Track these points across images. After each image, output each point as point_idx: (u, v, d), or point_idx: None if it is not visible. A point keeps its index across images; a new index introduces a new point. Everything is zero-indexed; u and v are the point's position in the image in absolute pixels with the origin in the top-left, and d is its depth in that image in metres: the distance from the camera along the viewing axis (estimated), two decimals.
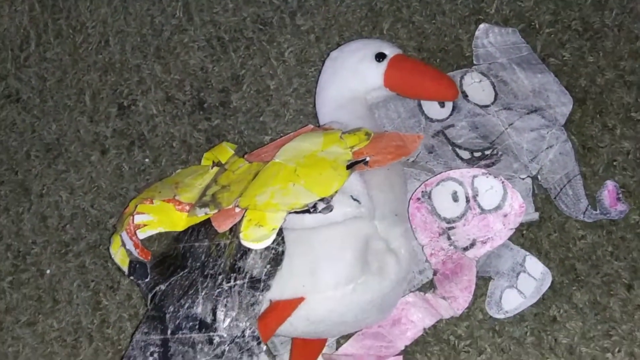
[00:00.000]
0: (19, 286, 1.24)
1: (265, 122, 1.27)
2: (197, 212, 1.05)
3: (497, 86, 1.20)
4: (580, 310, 1.12)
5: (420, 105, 1.19)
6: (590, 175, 1.17)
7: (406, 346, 1.11)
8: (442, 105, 1.19)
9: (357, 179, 1.04)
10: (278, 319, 1.01)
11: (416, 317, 1.10)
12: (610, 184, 1.14)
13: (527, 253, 1.12)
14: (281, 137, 1.16)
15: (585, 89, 1.21)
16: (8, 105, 1.34)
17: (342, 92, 1.15)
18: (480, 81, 1.20)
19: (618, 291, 1.12)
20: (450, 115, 1.19)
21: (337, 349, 1.11)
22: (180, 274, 1.04)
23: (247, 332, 0.98)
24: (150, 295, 1.05)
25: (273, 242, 0.99)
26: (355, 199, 1.02)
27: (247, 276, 1.00)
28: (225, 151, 1.18)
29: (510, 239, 1.10)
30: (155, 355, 1.00)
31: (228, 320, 0.99)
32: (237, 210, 1.03)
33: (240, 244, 1.00)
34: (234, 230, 1.03)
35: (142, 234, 1.11)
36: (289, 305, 1.01)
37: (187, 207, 1.09)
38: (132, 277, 1.07)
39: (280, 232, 1.01)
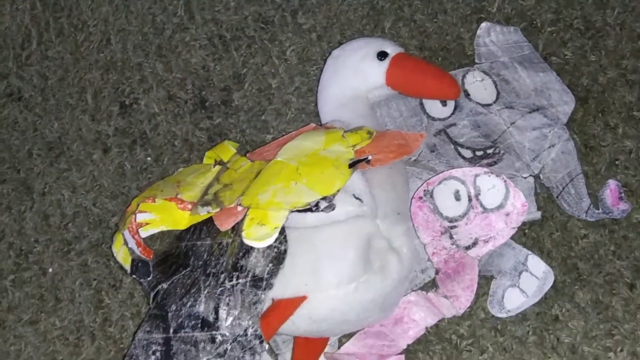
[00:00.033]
0: (21, 285, 1.24)
1: (267, 120, 1.27)
2: (199, 211, 1.05)
3: (499, 85, 1.20)
4: (582, 309, 1.12)
5: (422, 104, 1.19)
6: (593, 174, 1.17)
7: (408, 345, 1.11)
8: (444, 104, 1.19)
9: (359, 177, 1.04)
10: (280, 318, 1.01)
11: (418, 316, 1.10)
12: (612, 183, 1.14)
13: (530, 252, 1.12)
14: (283, 135, 1.16)
15: (587, 87, 1.21)
16: (10, 103, 1.34)
17: (344, 91, 1.15)
18: (482, 80, 1.20)
19: (620, 290, 1.12)
20: (452, 114, 1.19)
21: (339, 348, 1.11)
22: (183, 272, 1.04)
23: (250, 331, 0.98)
24: (152, 294, 1.05)
25: (275, 241, 0.99)
26: (357, 198, 1.02)
27: (250, 275, 1.00)
28: (227, 150, 1.18)
29: (512, 238, 1.10)
30: (158, 354, 1.00)
31: (230, 319, 0.99)
32: (240, 208, 1.03)
33: (242, 243, 1.00)
34: (236, 228, 1.03)
35: (144, 233, 1.11)
36: (291, 304, 1.01)
37: (189, 206, 1.09)
38: (134, 276, 1.07)
39: (282, 231, 1.01)
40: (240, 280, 1.00)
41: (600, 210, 1.13)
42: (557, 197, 1.15)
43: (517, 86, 1.19)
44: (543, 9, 1.27)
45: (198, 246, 1.05)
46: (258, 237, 0.99)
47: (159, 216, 1.11)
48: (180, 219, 1.09)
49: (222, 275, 1.01)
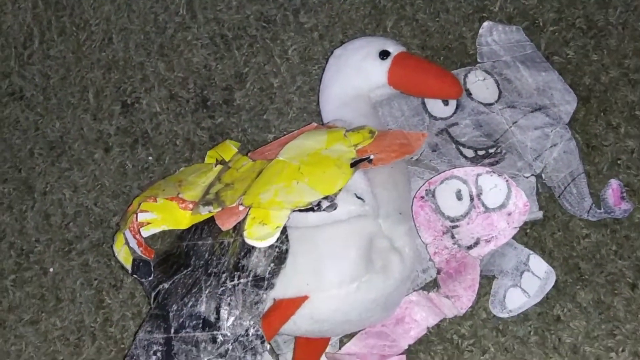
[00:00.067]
0: (22, 284, 1.24)
1: (268, 120, 1.27)
2: (200, 210, 1.05)
3: (501, 84, 1.20)
4: (584, 309, 1.12)
5: (424, 103, 1.19)
6: (595, 173, 1.17)
7: (409, 345, 1.11)
8: (445, 103, 1.19)
9: (361, 177, 1.04)
10: (282, 318, 1.01)
11: (420, 316, 1.10)
12: (614, 183, 1.13)
13: (531, 252, 1.12)
14: (285, 135, 1.16)
15: (590, 87, 1.21)
16: (11, 102, 1.34)
17: (346, 90, 1.15)
18: (484, 79, 1.20)
19: (622, 290, 1.12)
20: (454, 113, 1.19)
21: (340, 348, 1.11)
22: (184, 272, 1.04)
23: (251, 331, 0.98)
24: (153, 294, 1.05)
25: (277, 241, 0.99)
26: (359, 197, 1.02)
27: (251, 274, 1.00)
28: (229, 149, 1.18)
29: (514, 237, 1.09)
30: (159, 354, 1.00)
31: (232, 318, 0.99)
32: (241, 208, 1.03)
33: (244, 242, 1.00)
34: (238, 228, 1.03)
35: (145, 232, 1.11)
36: (292, 304, 1.01)
37: (191, 205, 1.09)
38: (135, 276, 1.07)
39: (284, 231, 1.00)
40: (241, 280, 1.00)
41: (602, 210, 1.13)
42: (559, 196, 1.14)
43: (519, 85, 1.19)
44: (545, 8, 1.26)
45: (199, 246, 1.05)
46: (260, 236, 0.99)
47: (161, 216, 1.11)
48: (182, 218, 1.09)
49: (224, 275, 1.01)
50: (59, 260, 1.24)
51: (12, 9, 1.39)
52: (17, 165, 1.31)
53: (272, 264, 1.00)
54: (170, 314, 1.01)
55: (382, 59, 1.14)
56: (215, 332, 0.99)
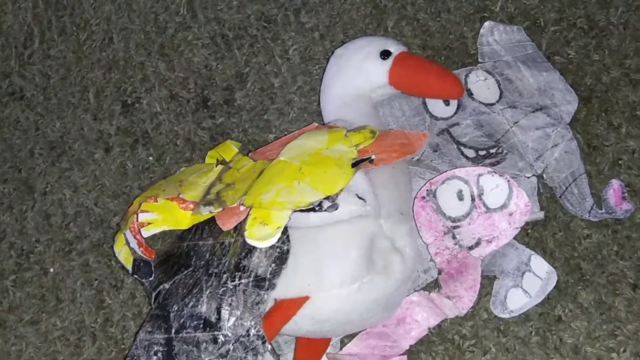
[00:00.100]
0: (23, 285, 1.24)
1: (269, 120, 1.27)
2: (201, 211, 1.04)
3: (502, 84, 1.20)
4: (585, 309, 1.12)
5: (424, 104, 1.19)
6: (596, 174, 1.17)
7: (411, 346, 1.10)
8: (446, 103, 1.19)
9: (362, 177, 1.04)
10: (283, 318, 1.01)
11: (421, 317, 1.10)
12: (615, 183, 1.13)
13: (533, 252, 1.12)
14: (285, 135, 1.16)
15: (591, 87, 1.21)
16: (12, 102, 1.34)
17: (347, 90, 1.15)
18: (485, 79, 1.20)
19: (623, 291, 1.12)
20: (455, 113, 1.18)
21: (341, 349, 1.11)
22: (185, 272, 1.04)
23: (252, 331, 0.98)
24: (154, 294, 1.05)
25: (278, 241, 0.99)
26: (360, 197, 1.02)
27: (252, 275, 1.00)
28: (230, 149, 1.18)
29: (515, 238, 1.09)
30: (159, 354, 1.00)
31: (233, 319, 0.98)
32: (242, 208, 1.03)
33: (245, 243, 1.00)
34: (239, 228, 1.03)
35: (146, 233, 1.11)
36: (293, 304, 1.00)
37: (192, 206, 1.08)
38: (136, 276, 1.07)
39: (285, 231, 1.00)
40: (242, 281, 1.00)
41: (604, 210, 1.13)
42: (560, 197, 1.14)
43: (520, 85, 1.19)
44: (546, 8, 1.26)
45: (200, 246, 1.05)
46: (261, 236, 0.98)
47: (161, 216, 1.10)
48: (182, 218, 1.09)
49: (225, 276, 1.00)
50: (59, 260, 1.24)
51: (13, 8, 1.39)
52: (18, 165, 1.30)
53: (273, 265, 1.00)
54: (171, 315, 1.01)
55: (383, 58, 1.14)
56: (216, 333, 0.98)
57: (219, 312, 0.99)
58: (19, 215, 1.28)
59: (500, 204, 1.07)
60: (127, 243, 1.08)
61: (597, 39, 1.24)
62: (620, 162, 1.17)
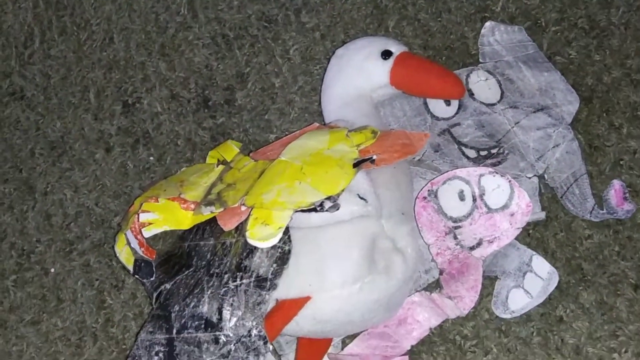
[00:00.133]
0: (23, 285, 1.24)
1: (270, 120, 1.27)
2: (202, 211, 1.04)
3: (503, 84, 1.19)
4: (586, 310, 1.12)
5: (426, 104, 1.19)
6: (597, 174, 1.17)
7: (412, 346, 1.10)
8: (447, 103, 1.19)
9: (363, 177, 1.04)
10: (284, 319, 1.01)
11: (422, 317, 1.10)
12: (616, 183, 1.13)
13: (534, 252, 1.12)
14: (286, 135, 1.16)
15: (592, 87, 1.21)
16: (12, 102, 1.34)
17: (348, 90, 1.14)
18: (486, 79, 1.20)
19: (625, 291, 1.12)
20: (456, 113, 1.18)
21: (342, 349, 1.11)
22: (186, 272, 1.03)
23: (254, 332, 0.98)
24: (155, 294, 1.04)
25: (279, 241, 0.99)
26: (362, 198, 1.02)
27: (254, 275, 1.00)
28: (231, 149, 1.18)
29: (516, 238, 1.09)
30: (161, 354, 1.00)
31: (234, 319, 0.98)
32: (243, 208, 1.03)
33: (246, 243, 1.00)
34: (240, 228, 1.03)
35: (147, 233, 1.11)
36: (295, 305, 1.00)
37: (193, 206, 1.08)
38: (137, 276, 1.07)
39: (286, 231, 1.00)
40: (244, 281, 0.99)
41: (605, 211, 1.13)
42: (562, 197, 1.14)
43: (522, 86, 1.19)
44: (547, 8, 1.26)
45: (201, 246, 1.05)
46: (262, 237, 0.98)
47: (162, 216, 1.10)
48: (184, 218, 1.09)
49: (226, 276, 1.00)
50: (60, 260, 1.24)
51: (13, 8, 1.39)
52: (18, 165, 1.30)
53: (274, 265, 1.00)
54: (173, 315, 1.01)
55: (384, 59, 1.14)
56: (217, 333, 0.98)
57: (220, 313, 0.99)
58: (20, 216, 1.27)
59: (501, 204, 1.07)
60: (128, 243, 1.08)
61: (598, 39, 1.24)
62: (621, 162, 1.17)
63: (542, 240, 1.15)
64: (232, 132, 1.27)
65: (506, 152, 1.15)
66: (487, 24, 1.24)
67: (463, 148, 1.16)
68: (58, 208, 1.27)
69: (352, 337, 1.10)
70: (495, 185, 1.07)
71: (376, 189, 1.04)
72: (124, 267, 1.13)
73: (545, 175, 1.15)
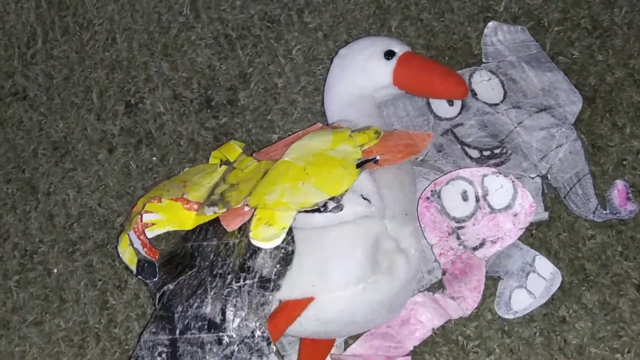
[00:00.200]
0: (26, 285, 1.24)
1: (273, 120, 1.27)
2: (205, 211, 1.04)
3: (506, 84, 1.19)
4: (589, 310, 1.11)
5: (429, 104, 1.19)
6: (600, 174, 1.17)
7: (415, 346, 1.10)
8: (450, 103, 1.19)
9: (367, 177, 1.04)
10: (287, 319, 1.01)
11: (425, 318, 1.10)
12: (620, 184, 1.13)
13: (537, 253, 1.12)
14: (289, 135, 1.16)
15: (595, 87, 1.21)
16: (15, 102, 1.34)
17: (351, 90, 1.14)
18: (489, 79, 1.20)
19: (628, 291, 1.12)
20: (459, 113, 1.18)
21: (345, 350, 1.11)
22: (189, 273, 1.03)
23: (257, 333, 0.98)
24: (158, 295, 1.04)
25: (283, 242, 0.99)
26: (365, 198, 1.02)
27: (257, 276, 0.99)
28: (233, 149, 1.18)
29: (519, 238, 1.09)
30: (164, 355, 1.00)
31: (237, 320, 0.98)
32: (246, 209, 1.02)
33: (249, 243, 1.00)
34: (243, 229, 1.03)
35: (150, 233, 1.11)
36: (298, 305, 1.00)
37: (196, 206, 1.08)
38: (140, 277, 1.07)
39: (290, 232, 1.00)
40: (247, 281, 0.99)
41: (608, 211, 1.13)
42: (565, 197, 1.14)
43: (525, 86, 1.19)
44: (550, 8, 1.26)
45: (204, 247, 1.05)
46: (266, 237, 0.98)
47: (165, 216, 1.10)
48: (187, 219, 1.09)
49: (229, 276, 1.00)
50: (63, 261, 1.24)
51: (16, 8, 1.39)
52: (21, 165, 1.30)
53: (278, 265, 1.00)
54: (176, 315, 1.01)
55: (387, 59, 1.14)
56: (220, 334, 0.98)
57: (223, 313, 0.99)
58: (23, 216, 1.27)
59: (504, 204, 1.07)
60: (131, 243, 1.08)
61: (601, 39, 1.24)
62: (624, 162, 1.17)
63: (545, 241, 1.15)
64: (235, 132, 1.27)
65: (509, 152, 1.14)
66: (490, 24, 1.24)
67: (466, 148, 1.16)
68: (61, 208, 1.27)
69: (355, 337, 1.10)
70: (499, 186, 1.07)
71: (379, 190, 1.04)
72: (126, 268, 1.13)
73: (549, 176, 1.15)
